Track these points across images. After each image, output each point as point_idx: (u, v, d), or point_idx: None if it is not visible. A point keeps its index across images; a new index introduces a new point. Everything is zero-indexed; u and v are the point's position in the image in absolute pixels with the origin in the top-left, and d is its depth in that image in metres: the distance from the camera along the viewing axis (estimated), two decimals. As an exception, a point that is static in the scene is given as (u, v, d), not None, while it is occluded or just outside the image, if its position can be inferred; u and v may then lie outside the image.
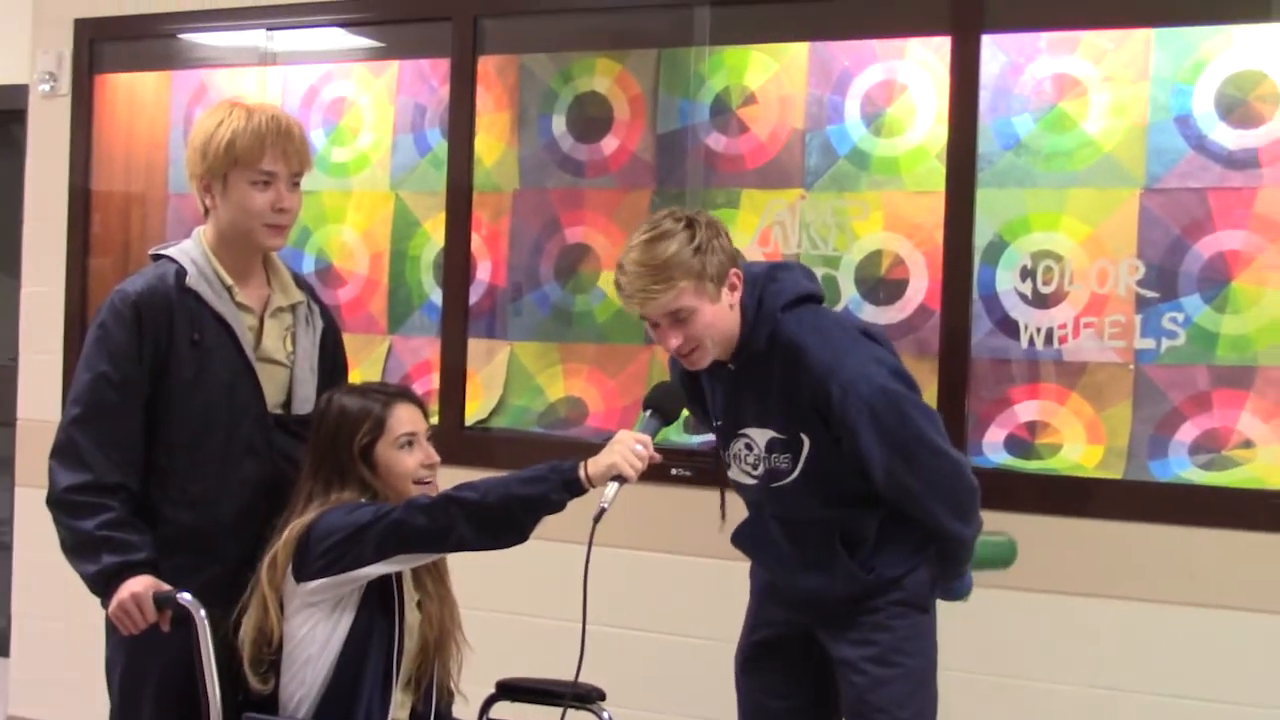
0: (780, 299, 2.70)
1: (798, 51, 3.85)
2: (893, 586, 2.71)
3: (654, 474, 2.63)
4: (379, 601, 2.61)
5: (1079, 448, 3.52)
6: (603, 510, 2.51)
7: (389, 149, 4.38)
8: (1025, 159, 3.58)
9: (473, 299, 4.17)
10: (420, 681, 2.72)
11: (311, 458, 2.69)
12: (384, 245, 4.37)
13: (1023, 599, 3.42)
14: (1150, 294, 3.46)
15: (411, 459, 2.69)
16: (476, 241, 4.18)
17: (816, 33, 3.83)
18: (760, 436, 2.73)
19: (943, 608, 2.83)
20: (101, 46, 4.64)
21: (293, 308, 2.84)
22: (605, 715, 2.80)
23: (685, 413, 3.03)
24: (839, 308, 3.70)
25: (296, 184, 2.77)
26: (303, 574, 2.57)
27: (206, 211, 2.77)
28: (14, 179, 4.89)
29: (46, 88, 4.67)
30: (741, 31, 3.91)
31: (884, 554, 2.72)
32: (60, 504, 2.63)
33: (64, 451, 2.64)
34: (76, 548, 2.63)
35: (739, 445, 2.78)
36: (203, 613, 2.57)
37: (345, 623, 2.58)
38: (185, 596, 2.58)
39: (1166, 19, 3.46)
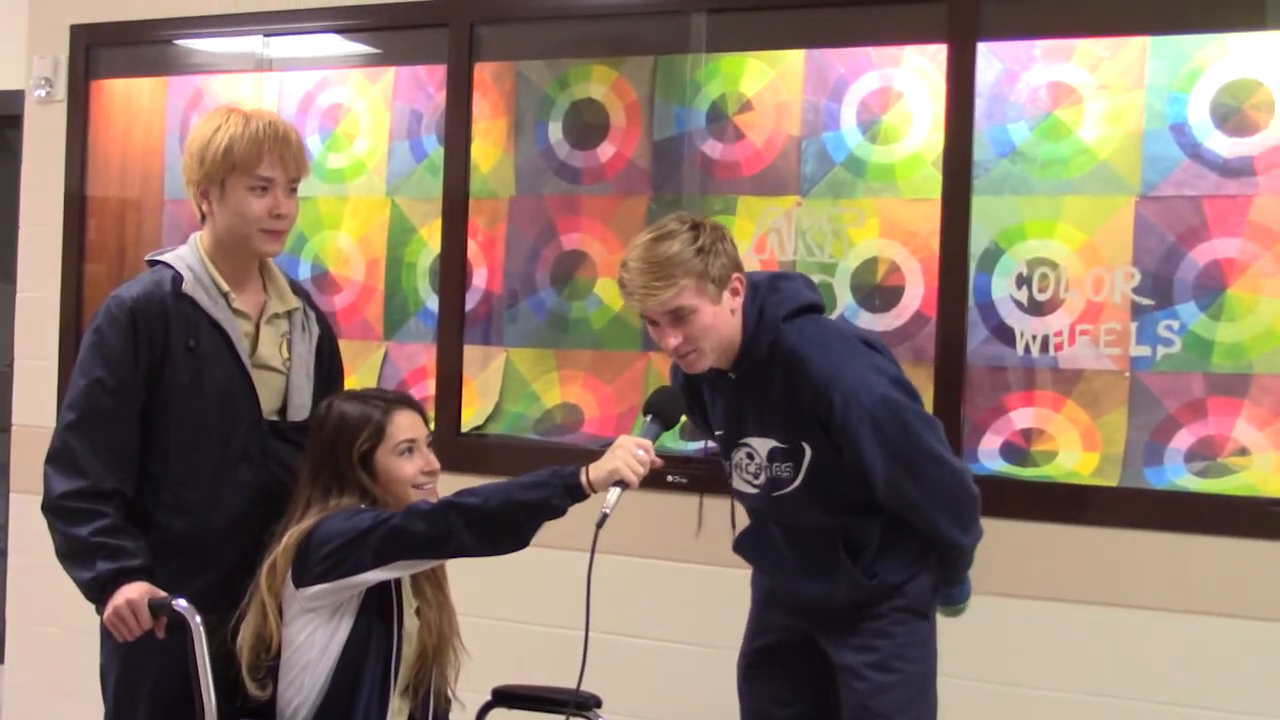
0: (782, 309, 2.71)
1: (794, 59, 3.86)
2: (895, 593, 2.72)
3: (650, 481, 2.62)
4: (378, 608, 2.61)
5: (1074, 455, 3.52)
6: (605, 516, 2.50)
7: (385, 155, 4.37)
8: (1021, 166, 3.59)
9: (469, 305, 4.17)
10: (418, 688, 2.71)
11: (311, 464, 2.69)
12: (380, 251, 4.37)
13: (1018, 606, 3.42)
14: (1146, 301, 3.46)
15: (411, 465, 2.69)
16: (473, 248, 4.17)
17: (813, 40, 3.83)
18: (762, 446, 2.74)
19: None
20: (98, 52, 4.63)
21: (289, 314, 2.84)
22: (601, 722, 2.80)
23: (683, 419, 3.03)
24: (834, 315, 3.70)
25: (294, 190, 2.77)
26: (302, 580, 2.56)
27: (203, 217, 2.77)
28: (10, 184, 4.88)
29: (42, 93, 4.66)
30: (738, 39, 3.91)
31: (886, 560, 2.73)
32: (55, 510, 2.62)
33: (59, 457, 2.64)
34: (71, 554, 2.62)
35: (741, 454, 2.78)
36: (198, 619, 2.55)
37: (344, 629, 2.58)
38: (180, 603, 2.56)
39: (1162, 27, 3.47)
